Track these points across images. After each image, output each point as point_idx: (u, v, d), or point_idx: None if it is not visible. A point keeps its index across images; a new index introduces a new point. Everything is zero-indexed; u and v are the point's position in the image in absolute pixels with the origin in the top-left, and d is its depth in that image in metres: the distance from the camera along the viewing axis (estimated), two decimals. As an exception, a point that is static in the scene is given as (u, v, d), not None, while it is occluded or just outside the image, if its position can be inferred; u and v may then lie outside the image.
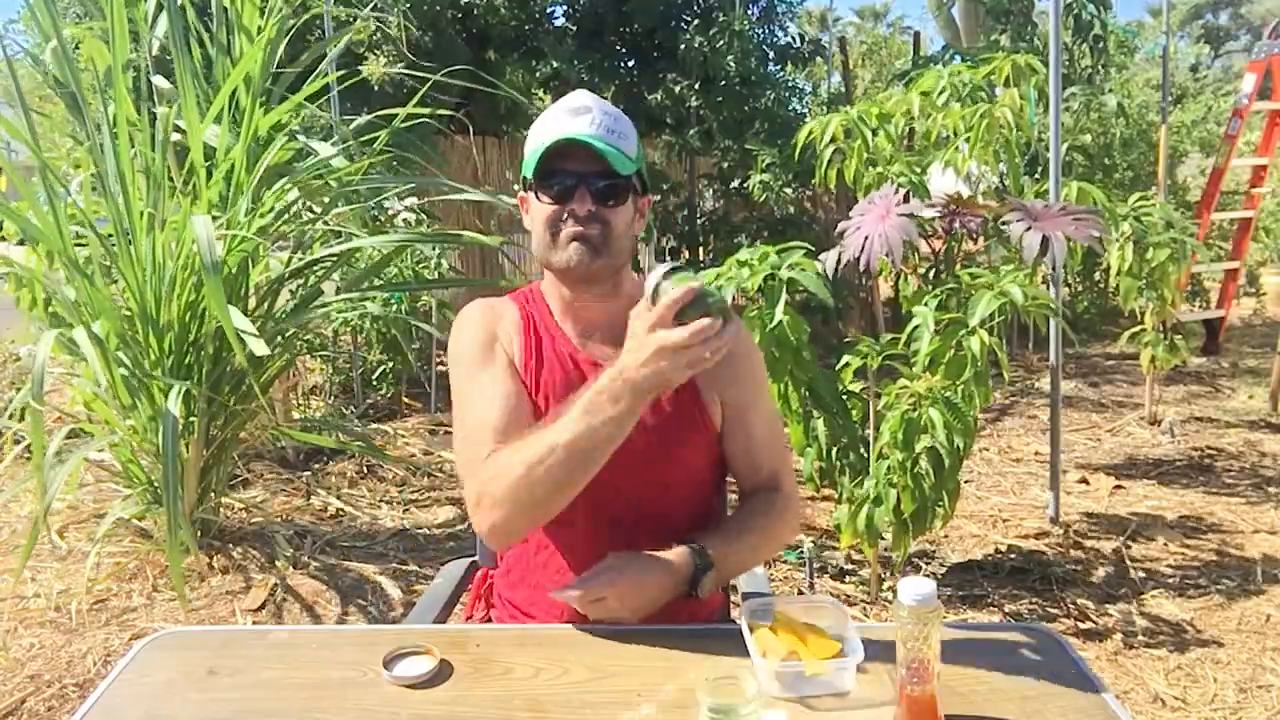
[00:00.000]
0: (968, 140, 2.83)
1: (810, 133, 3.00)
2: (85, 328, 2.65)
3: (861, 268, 2.31)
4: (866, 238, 2.31)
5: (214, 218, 2.99)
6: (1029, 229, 2.30)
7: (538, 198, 1.32)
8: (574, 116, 1.30)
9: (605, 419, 1.13)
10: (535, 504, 1.20)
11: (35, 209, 2.87)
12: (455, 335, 1.40)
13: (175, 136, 3.11)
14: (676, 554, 1.27)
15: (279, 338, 3.28)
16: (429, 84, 3.32)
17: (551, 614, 1.37)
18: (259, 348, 2.47)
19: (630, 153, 1.31)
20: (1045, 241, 2.27)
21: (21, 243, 3.27)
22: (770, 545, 1.45)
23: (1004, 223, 2.39)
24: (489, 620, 1.51)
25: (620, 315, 1.36)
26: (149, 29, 3.21)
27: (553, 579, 1.37)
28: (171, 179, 3.07)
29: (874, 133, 2.86)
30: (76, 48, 3.50)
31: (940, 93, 2.87)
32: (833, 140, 2.92)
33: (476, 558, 1.68)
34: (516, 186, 1.50)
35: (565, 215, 1.30)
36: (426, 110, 3.24)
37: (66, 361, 3.30)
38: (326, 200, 3.33)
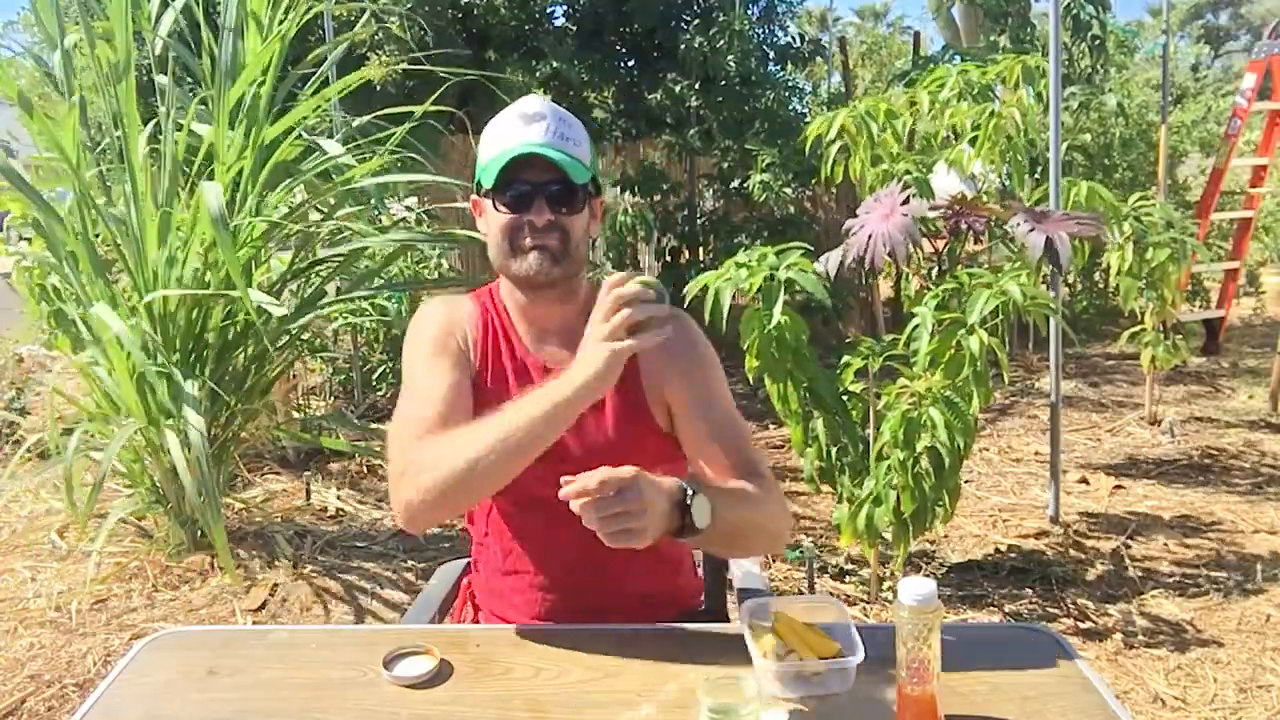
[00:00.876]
0: (973, 141, 2.83)
1: (819, 129, 3.00)
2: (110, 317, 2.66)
3: (866, 266, 2.31)
4: (871, 236, 2.31)
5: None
6: (1033, 230, 2.30)
7: (495, 207, 1.32)
8: (527, 124, 1.31)
9: (542, 411, 1.16)
10: (460, 490, 1.20)
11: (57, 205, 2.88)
12: (413, 328, 1.41)
13: (176, 136, 3.11)
14: (663, 479, 1.15)
15: (281, 338, 3.28)
16: (435, 85, 3.33)
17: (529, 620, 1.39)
18: (276, 310, 2.51)
19: (585, 159, 1.33)
20: (1049, 242, 2.27)
21: (25, 239, 3.28)
22: (761, 511, 1.29)
23: (1007, 225, 2.39)
24: (478, 623, 1.51)
25: (574, 319, 1.37)
26: (153, 29, 3.21)
27: (524, 591, 1.40)
28: (179, 179, 3.07)
29: (881, 129, 2.85)
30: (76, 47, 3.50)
31: (948, 89, 2.87)
32: (839, 136, 2.92)
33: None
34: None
35: (523, 225, 1.31)
36: (430, 109, 3.25)
37: (67, 358, 3.30)
38: (333, 200, 3.34)
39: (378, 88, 5.51)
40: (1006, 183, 3.13)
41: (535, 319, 1.40)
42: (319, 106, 3.31)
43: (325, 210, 3.39)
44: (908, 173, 2.79)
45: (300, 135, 3.20)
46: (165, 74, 3.13)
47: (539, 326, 1.40)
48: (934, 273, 3.05)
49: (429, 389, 1.31)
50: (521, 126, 1.31)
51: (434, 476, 1.19)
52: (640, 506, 1.07)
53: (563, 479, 1.09)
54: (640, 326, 1.13)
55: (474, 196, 1.38)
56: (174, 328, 2.97)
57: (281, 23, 3.09)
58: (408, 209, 4.97)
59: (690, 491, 1.14)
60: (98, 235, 3.05)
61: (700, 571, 1.60)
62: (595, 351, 1.14)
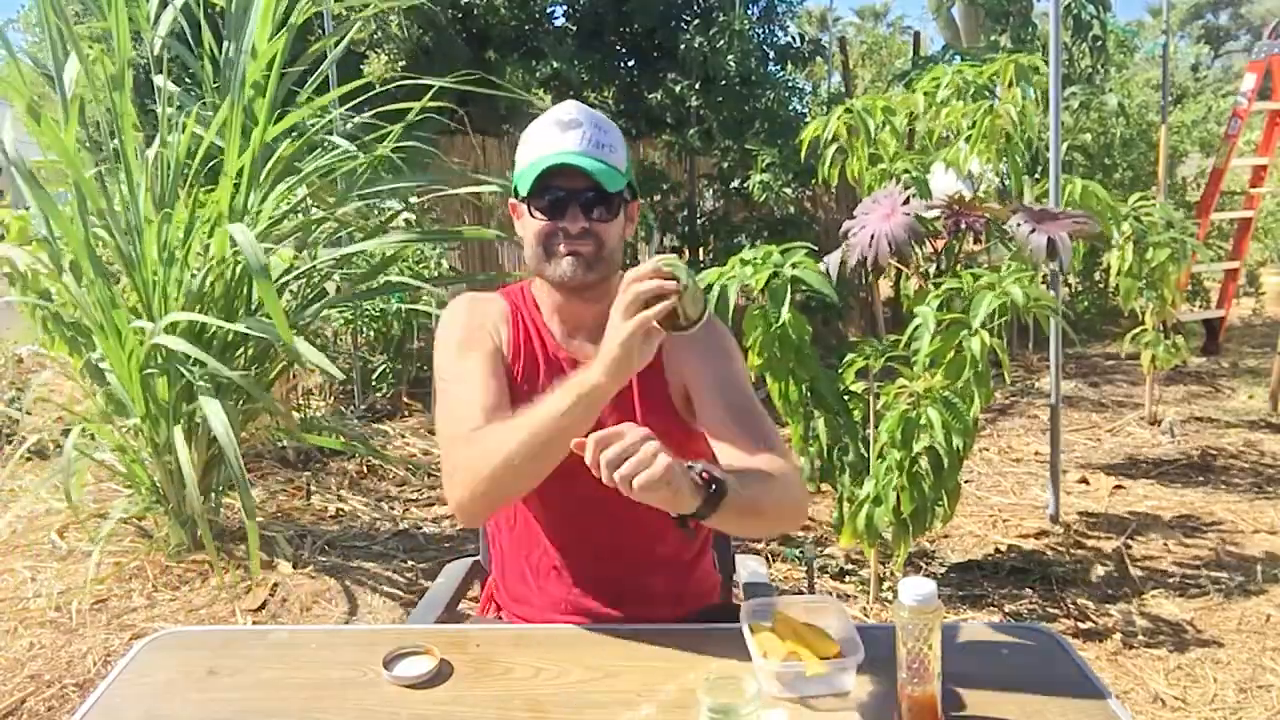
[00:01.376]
0: (969, 139, 2.83)
1: (815, 130, 3.00)
2: (73, 322, 2.65)
3: (870, 265, 2.31)
4: (873, 236, 2.31)
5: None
6: (1034, 230, 2.30)
7: (530, 213, 1.34)
8: (564, 132, 1.32)
9: (570, 402, 1.16)
10: (501, 487, 1.24)
11: (54, 210, 2.87)
12: (444, 321, 1.43)
13: (175, 139, 3.11)
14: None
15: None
16: (433, 87, 3.33)
17: (557, 612, 1.40)
18: (334, 370, 2.52)
19: (620, 166, 1.34)
20: (1051, 243, 2.27)
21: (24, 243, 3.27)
22: (777, 490, 1.26)
23: (1007, 224, 2.39)
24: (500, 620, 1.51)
25: (607, 315, 1.39)
26: (151, 28, 3.21)
27: (548, 586, 1.41)
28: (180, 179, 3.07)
29: (879, 127, 2.86)
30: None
31: (944, 88, 2.87)
32: (835, 138, 2.92)
33: (479, 557, 1.68)
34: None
35: (557, 231, 1.32)
36: (430, 105, 3.25)
37: (61, 360, 3.30)
38: (332, 200, 3.33)
39: (376, 85, 5.50)
40: (1006, 182, 3.13)
41: (569, 316, 1.42)
42: (323, 107, 3.31)
43: (326, 208, 3.39)
44: (906, 172, 2.79)
45: (304, 134, 3.20)
46: (161, 74, 3.13)
47: (573, 323, 1.42)
48: (933, 272, 3.05)
49: (469, 385, 1.33)
50: (558, 134, 1.32)
51: (477, 476, 1.23)
52: (644, 443, 1.04)
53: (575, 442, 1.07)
54: (655, 302, 1.10)
55: (512, 200, 1.40)
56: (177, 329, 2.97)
57: (281, 28, 3.08)
58: (409, 209, 4.98)
59: (701, 468, 1.12)
60: (99, 239, 3.05)
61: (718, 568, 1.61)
62: (612, 334, 1.13)
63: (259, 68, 3.00)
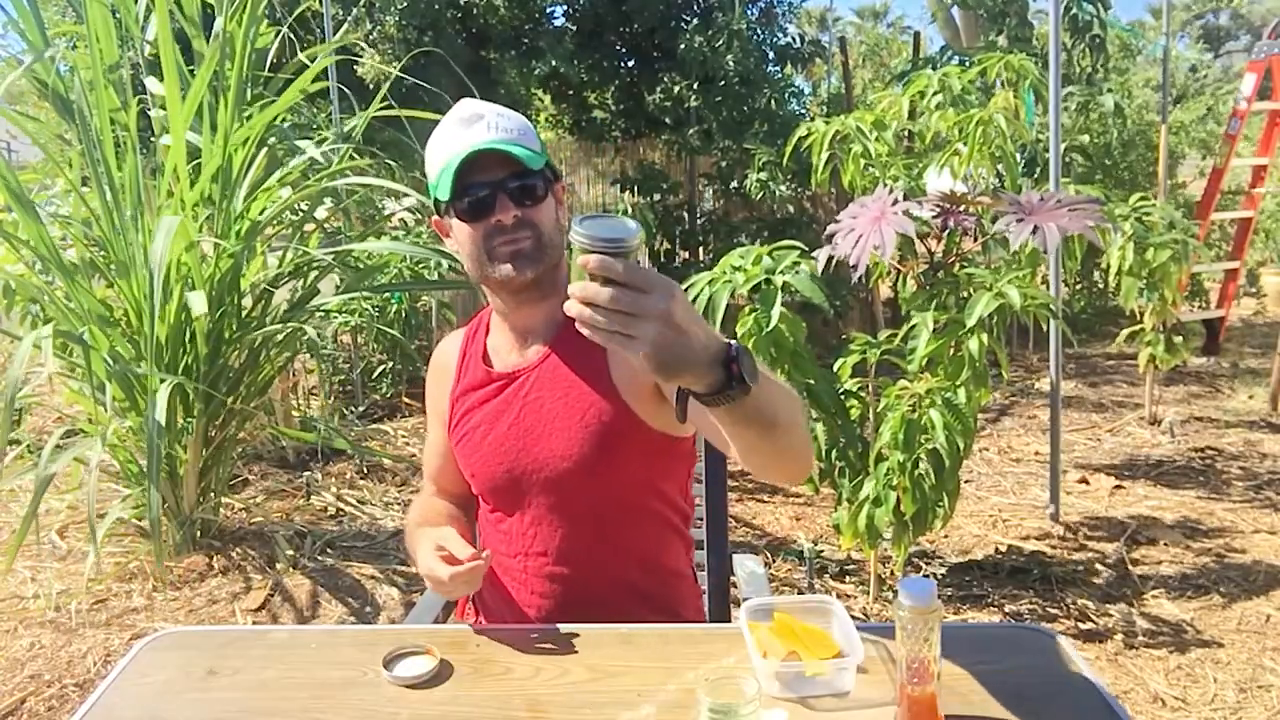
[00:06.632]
0: (964, 142, 2.82)
1: (803, 137, 3.00)
2: (65, 329, 2.66)
3: (853, 263, 2.29)
4: (861, 236, 2.30)
5: (207, 216, 3.00)
6: (1020, 221, 2.28)
7: (459, 218, 1.29)
8: (468, 126, 1.27)
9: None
10: None
11: (18, 208, 2.88)
12: (428, 372, 1.55)
13: (166, 139, 3.11)
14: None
15: (277, 337, 3.28)
16: (432, 85, 3.33)
17: (521, 619, 1.38)
18: (197, 306, 2.67)
19: (534, 146, 1.29)
20: (1035, 230, 2.24)
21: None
22: (800, 415, 1.07)
23: (997, 216, 2.37)
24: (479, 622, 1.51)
25: (559, 311, 1.32)
26: (140, 31, 3.21)
27: (519, 585, 1.39)
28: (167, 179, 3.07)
29: (871, 135, 2.86)
30: (74, 46, 3.50)
31: (933, 95, 2.87)
32: (831, 145, 2.92)
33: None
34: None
35: (492, 229, 1.27)
36: (428, 102, 3.26)
37: (64, 362, 3.30)
38: (306, 206, 3.34)
39: (371, 87, 5.50)
40: (1003, 182, 3.13)
41: (519, 323, 1.38)
42: (306, 98, 3.31)
43: (309, 206, 3.39)
44: (895, 179, 2.78)
45: (281, 137, 3.20)
46: (155, 77, 3.13)
47: (525, 329, 1.37)
48: (932, 272, 3.04)
49: (427, 447, 1.55)
50: (463, 130, 1.27)
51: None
52: (653, 310, 0.82)
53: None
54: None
55: (434, 217, 1.35)
56: (156, 330, 2.97)
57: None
58: (407, 209, 4.98)
59: (734, 344, 0.92)
60: (91, 240, 3.06)
61: (702, 578, 1.59)
62: (426, 562, 1.25)
63: (207, 67, 2.98)
